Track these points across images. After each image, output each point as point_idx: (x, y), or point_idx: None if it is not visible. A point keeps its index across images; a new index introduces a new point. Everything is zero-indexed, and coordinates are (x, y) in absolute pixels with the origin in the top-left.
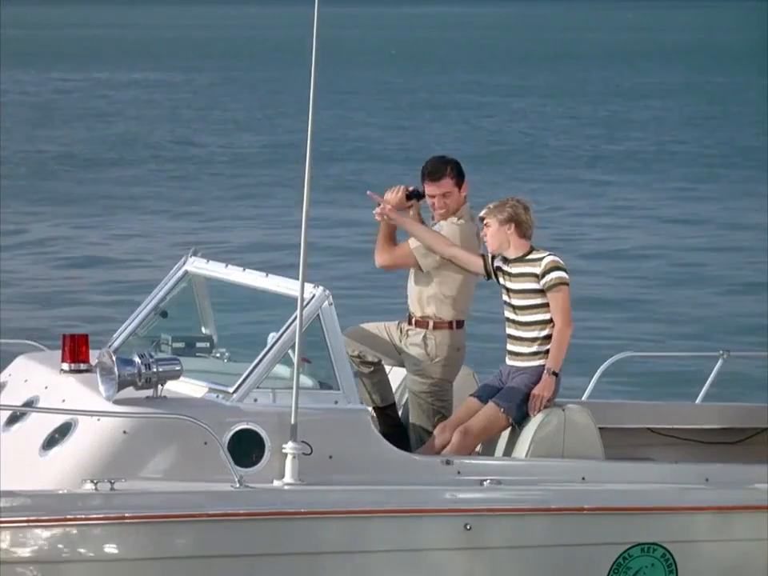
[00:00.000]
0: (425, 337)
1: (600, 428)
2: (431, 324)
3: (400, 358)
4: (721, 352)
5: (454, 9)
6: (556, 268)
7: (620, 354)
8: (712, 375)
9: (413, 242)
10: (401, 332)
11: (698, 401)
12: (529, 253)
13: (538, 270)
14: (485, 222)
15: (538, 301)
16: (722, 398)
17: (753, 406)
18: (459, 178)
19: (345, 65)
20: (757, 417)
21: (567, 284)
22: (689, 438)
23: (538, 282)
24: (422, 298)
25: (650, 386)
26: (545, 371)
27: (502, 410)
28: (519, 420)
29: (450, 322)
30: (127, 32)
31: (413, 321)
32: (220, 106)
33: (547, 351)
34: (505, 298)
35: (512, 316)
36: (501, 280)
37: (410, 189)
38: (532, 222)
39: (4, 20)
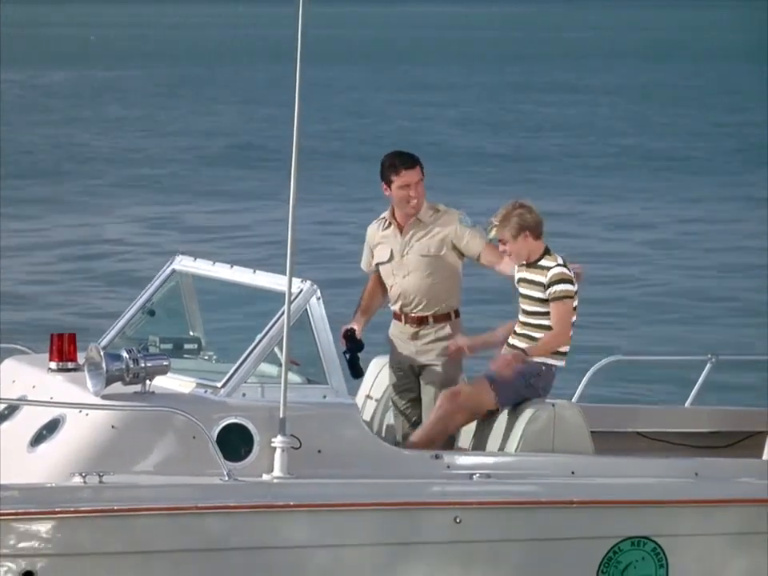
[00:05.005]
0: (452, 328)
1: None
2: (452, 315)
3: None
4: (709, 356)
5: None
6: (562, 281)
7: (608, 357)
8: (701, 379)
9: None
10: (415, 336)
11: (686, 405)
12: (541, 257)
13: (544, 280)
14: (499, 239)
15: (544, 309)
16: (711, 401)
17: (742, 410)
18: (423, 170)
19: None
20: (746, 421)
21: (572, 297)
22: (678, 442)
23: (544, 292)
24: (437, 293)
25: (639, 389)
26: (520, 350)
27: (493, 386)
28: (505, 403)
29: (457, 310)
30: (118, 31)
31: (429, 319)
32: (211, 104)
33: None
34: (519, 297)
35: (521, 315)
36: (515, 283)
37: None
38: (540, 219)
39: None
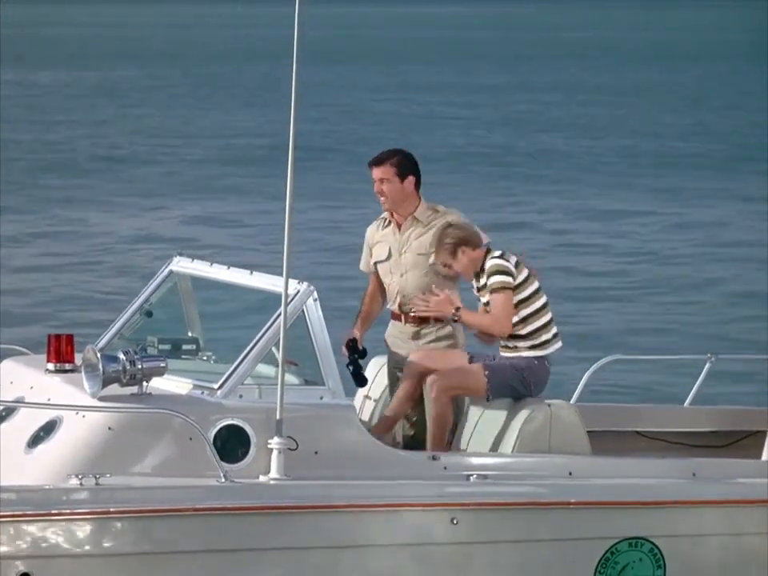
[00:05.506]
0: (454, 327)
1: (588, 431)
2: None
3: None
4: (708, 355)
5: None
6: (496, 272)
7: (608, 357)
8: (700, 378)
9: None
10: (416, 336)
11: (686, 404)
12: (485, 262)
13: (485, 279)
14: (444, 264)
15: None
16: (710, 401)
17: (741, 409)
18: (403, 170)
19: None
20: (745, 420)
21: (509, 287)
22: (677, 441)
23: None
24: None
25: (638, 389)
26: (457, 309)
27: (486, 373)
28: (495, 393)
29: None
30: (118, 31)
31: (430, 318)
32: (209, 104)
33: (533, 346)
34: (482, 306)
35: None
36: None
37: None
38: (472, 230)
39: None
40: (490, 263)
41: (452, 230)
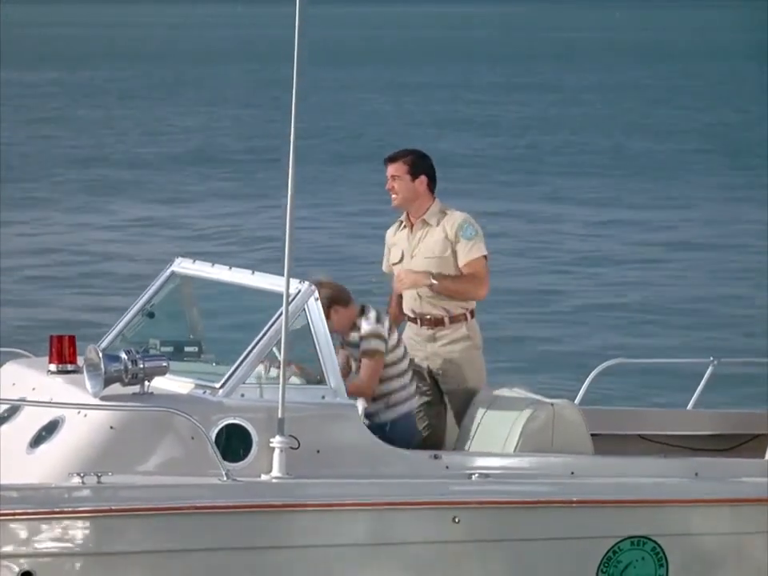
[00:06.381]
0: (469, 328)
1: (591, 434)
2: (468, 315)
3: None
4: (711, 358)
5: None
6: (371, 336)
7: (610, 360)
8: (703, 382)
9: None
10: (432, 339)
11: (688, 407)
12: (359, 319)
13: (358, 339)
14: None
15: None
16: (712, 404)
17: (744, 413)
18: (416, 169)
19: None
20: (748, 423)
21: (380, 352)
22: (680, 444)
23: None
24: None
25: (640, 392)
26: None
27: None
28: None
29: (473, 310)
30: (118, 31)
31: (444, 320)
32: (210, 104)
33: (389, 406)
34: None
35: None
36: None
37: None
38: (339, 288)
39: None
40: (367, 327)
41: (322, 291)
